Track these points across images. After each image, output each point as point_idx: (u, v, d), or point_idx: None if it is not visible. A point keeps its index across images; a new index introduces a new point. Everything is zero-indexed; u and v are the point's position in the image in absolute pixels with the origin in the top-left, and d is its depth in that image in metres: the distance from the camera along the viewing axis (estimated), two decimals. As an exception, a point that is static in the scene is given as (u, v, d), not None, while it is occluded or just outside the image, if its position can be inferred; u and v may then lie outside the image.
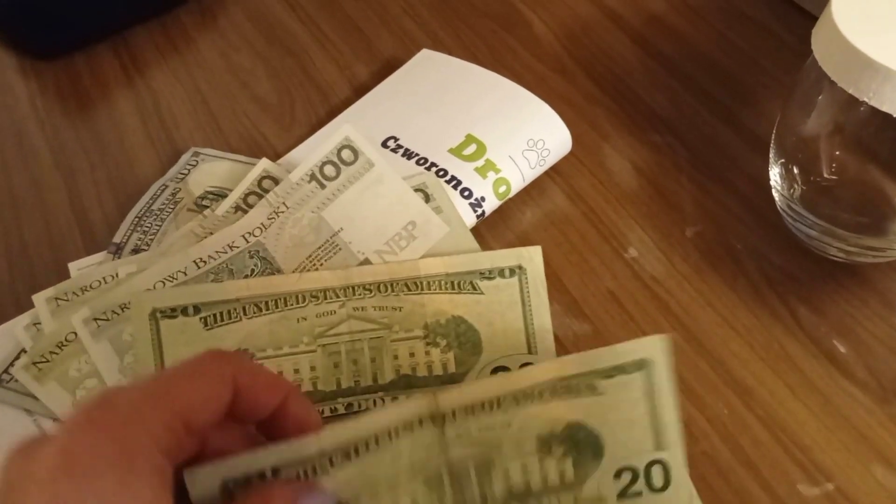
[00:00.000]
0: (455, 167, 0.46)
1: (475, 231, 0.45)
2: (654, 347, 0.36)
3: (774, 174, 0.44)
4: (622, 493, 0.35)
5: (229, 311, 0.40)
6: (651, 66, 0.56)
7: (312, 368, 0.40)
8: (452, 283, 0.42)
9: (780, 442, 0.38)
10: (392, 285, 0.42)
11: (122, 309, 0.41)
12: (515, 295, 0.42)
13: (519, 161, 0.46)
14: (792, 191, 0.43)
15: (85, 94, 0.57)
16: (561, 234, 0.47)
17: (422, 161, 0.47)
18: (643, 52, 0.57)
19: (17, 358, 0.41)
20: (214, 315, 0.40)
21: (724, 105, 0.53)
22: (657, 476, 0.35)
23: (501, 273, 0.42)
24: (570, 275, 0.45)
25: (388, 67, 0.56)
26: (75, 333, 0.41)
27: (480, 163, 0.46)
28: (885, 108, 0.35)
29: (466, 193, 0.45)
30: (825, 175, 0.43)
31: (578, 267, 0.45)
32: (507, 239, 0.46)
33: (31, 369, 0.40)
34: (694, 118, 0.52)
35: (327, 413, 0.39)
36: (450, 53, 0.55)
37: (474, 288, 0.42)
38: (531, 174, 0.47)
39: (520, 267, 0.43)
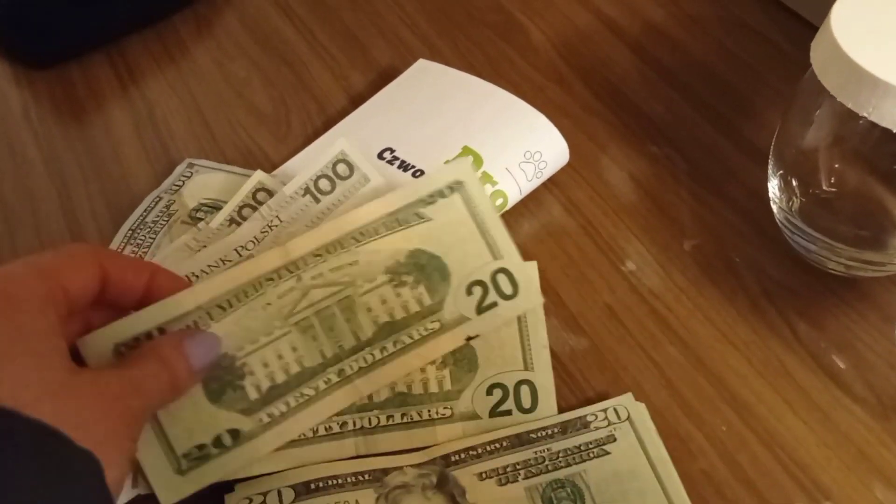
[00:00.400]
0: (451, 179, 0.46)
1: (471, 244, 0.45)
2: (461, 168, 0.42)
3: (773, 186, 0.44)
4: (479, 308, 0.40)
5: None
6: (649, 76, 0.56)
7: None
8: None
9: (779, 459, 0.38)
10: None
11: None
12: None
13: (516, 173, 0.46)
14: (791, 203, 0.43)
15: (79, 104, 0.57)
16: (558, 247, 0.46)
17: (418, 173, 0.46)
18: (641, 62, 0.57)
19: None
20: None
21: (723, 116, 0.52)
22: (504, 284, 0.41)
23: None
24: (567, 288, 0.45)
25: (384, 77, 0.56)
26: None
27: (477, 175, 0.45)
28: (884, 124, 0.35)
29: (463, 206, 0.45)
30: (824, 188, 0.42)
31: (576, 280, 0.45)
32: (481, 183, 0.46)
33: None
34: (693, 129, 0.52)
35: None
36: (447, 63, 0.55)
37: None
38: (528, 186, 0.47)
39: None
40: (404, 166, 0.47)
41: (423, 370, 0.40)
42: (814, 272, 0.44)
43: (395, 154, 0.48)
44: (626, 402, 0.39)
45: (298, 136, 0.53)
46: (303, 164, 0.48)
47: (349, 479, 0.37)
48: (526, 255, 0.45)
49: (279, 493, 0.36)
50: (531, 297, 0.41)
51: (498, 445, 0.38)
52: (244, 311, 0.39)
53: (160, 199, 0.48)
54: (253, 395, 0.38)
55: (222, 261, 0.42)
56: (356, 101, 0.54)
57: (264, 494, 0.36)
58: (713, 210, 0.48)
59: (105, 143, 0.54)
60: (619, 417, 0.39)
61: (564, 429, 0.38)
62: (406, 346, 0.39)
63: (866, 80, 0.34)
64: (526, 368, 0.40)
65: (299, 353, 0.39)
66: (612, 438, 0.38)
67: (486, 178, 0.45)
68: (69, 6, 0.57)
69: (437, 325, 0.40)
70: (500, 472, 0.37)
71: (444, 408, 0.39)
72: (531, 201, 0.48)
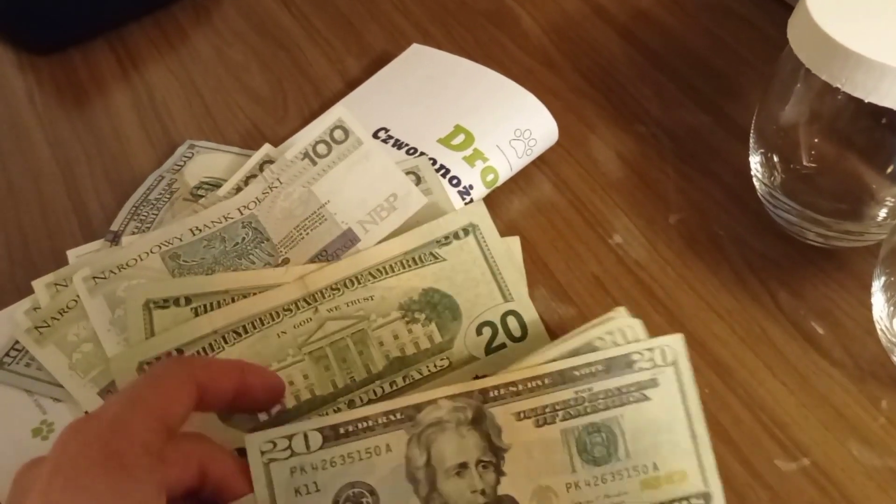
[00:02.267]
0: (444, 156, 0.47)
1: (464, 219, 0.46)
2: (476, 212, 0.44)
3: (755, 163, 0.45)
4: (488, 349, 0.41)
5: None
6: (637, 59, 0.57)
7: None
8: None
9: (759, 420, 0.40)
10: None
11: (119, 269, 0.43)
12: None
13: (506, 150, 0.47)
14: (772, 179, 0.45)
15: (81, 89, 0.58)
16: (547, 222, 0.48)
17: (411, 151, 0.48)
18: (629, 46, 0.58)
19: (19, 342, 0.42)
20: (204, 306, 0.42)
21: (707, 97, 0.54)
22: (514, 327, 0.42)
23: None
24: (555, 261, 0.46)
25: (378, 62, 0.57)
26: (76, 300, 0.42)
27: (469, 152, 0.47)
28: (857, 94, 0.36)
29: (455, 182, 0.46)
30: (804, 163, 0.44)
31: (564, 253, 0.46)
32: (494, 226, 0.47)
33: (32, 333, 0.42)
34: (678, 109, 0.53)
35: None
36: (439, 48, 0.56)
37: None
38: (518, 163, 0.48)
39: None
40: (398, 144, 0.48)
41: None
42: (794, 243, 0.46)
43: (389, 133, 0.49)
44: (674, 343, 0.36)
45: (295, 118, 0.55)
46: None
47: (380, 420, 0.35)
48: (516, 230, 0.47)
49: (305, 436, 0.34)
50: (539, 341, 0.41)
51: (539, 383, 0.35)
52: (258, 337, 0.41)
53: (162, 178, 0.49)
54: (262, 416, 0.39)
55: (225, 217, 0.45)
56: (351, 84, 0.56)
57: (289, 438, 0.34)
58: (698, 186, 0.49)
59: (107, 126, 0.55)
60: (665, 360, 0.36)
61: (609, 367, 0.35)
62: (415, 382, 0.40)
63: (839, 52, 0.36)
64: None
65: (311, 381, 0.40)
66: (654, 383, 0.35)
67: (478, 154, 0.47)
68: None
69: (445, 363, 0.41)
70: (539, 412, 0.35)
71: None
72: (521, 178, 0.49)
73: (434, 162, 0.47)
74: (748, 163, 0.46)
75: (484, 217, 0.44)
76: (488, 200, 0.48)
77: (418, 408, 0.35)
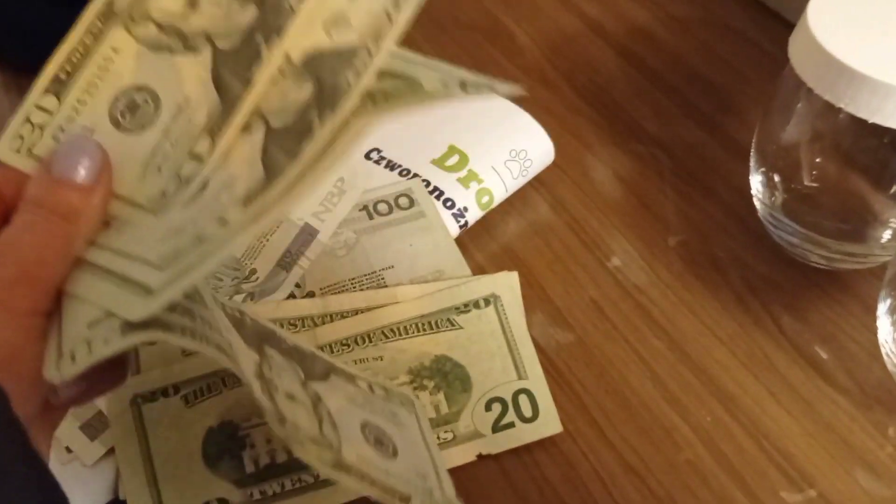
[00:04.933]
0: (438, 178, 0.46)
1: (458, 241, 0.45)
2: (501, 283, 0.43)
3: (756, 182, 0.45)
4: (495, 426, 0.39)
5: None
6: (634, 76, 0.56)
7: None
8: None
9: (764, 449, 0.38)
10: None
11: None
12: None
13: (501, 171, 0.46)
14: (773, 199, 0.44)
15: (69, 109, 0.57)
16: (544, 244, 0.47)
17: (405, 172, 0.47)
18: (626, 63, 0.57)
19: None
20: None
21: (706, 115, 0.53)
22: (525, 407, 0.40)
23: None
24: (553, 284, 0.45)
25: (371, 80, 0.56)
26: None
27: (463, 173, 0.46)
28: (860, 114, 0.35)
29: (449, 204, 0.45)
30: (806, 183, 0.43)
31: (561, 276, 0.45)
32: (490, 249, 0.46)
33: None
34: (677, 128, 0.53)
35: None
36: (433, 65, 0.55)
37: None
38: (514, 184, 0.47)
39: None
40: (391, 166, 0.47)
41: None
42: (796, 265, 0.45)
43: (381, 154, 0.48)
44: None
45: (287, 139, 0.54)
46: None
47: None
48: (512, 253, 0.46)
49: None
50: (550, 423, 0.39)
51: None
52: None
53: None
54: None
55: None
56: (344, 103, 0.55)
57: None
58: (697, 206, 0.48)
59: (94, 147, 0.54)
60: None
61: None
62: None
63: (842, 71, 0.35)
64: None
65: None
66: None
67: (472, 175, 0.46)
68: (56, 11, 0.57)
69: (450, 436, 0.39)
70: None
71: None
72: (518, 200, 0.48)
73: (428, 184, 0.46)
74: (748, 182, 0.45)
75: (507, 290, 0.43)
76: (483, 223, 0.47)
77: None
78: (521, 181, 0.48)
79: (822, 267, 0.44)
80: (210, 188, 0.28)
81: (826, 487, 0.37)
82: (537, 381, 0.40)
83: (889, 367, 0.39)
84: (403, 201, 0.45)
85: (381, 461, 0.32)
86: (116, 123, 0.30)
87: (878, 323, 0.39)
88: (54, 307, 0.27)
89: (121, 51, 0.30)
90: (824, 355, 0.41)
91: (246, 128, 0.28)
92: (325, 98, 0.28)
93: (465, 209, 0.45)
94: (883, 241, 0.42)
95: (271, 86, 0.28)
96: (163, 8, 0.30)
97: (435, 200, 0.45)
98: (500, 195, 0.47)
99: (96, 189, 0.28)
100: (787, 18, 0.58)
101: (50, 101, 0.31)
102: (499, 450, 0.38)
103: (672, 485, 0.37)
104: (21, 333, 0.26)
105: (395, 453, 0.34)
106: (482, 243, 0.47)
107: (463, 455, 0.38)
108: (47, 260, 0.27)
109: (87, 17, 0.31)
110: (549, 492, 0.38)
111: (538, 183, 0.49)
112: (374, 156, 0.48)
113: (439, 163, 0.47)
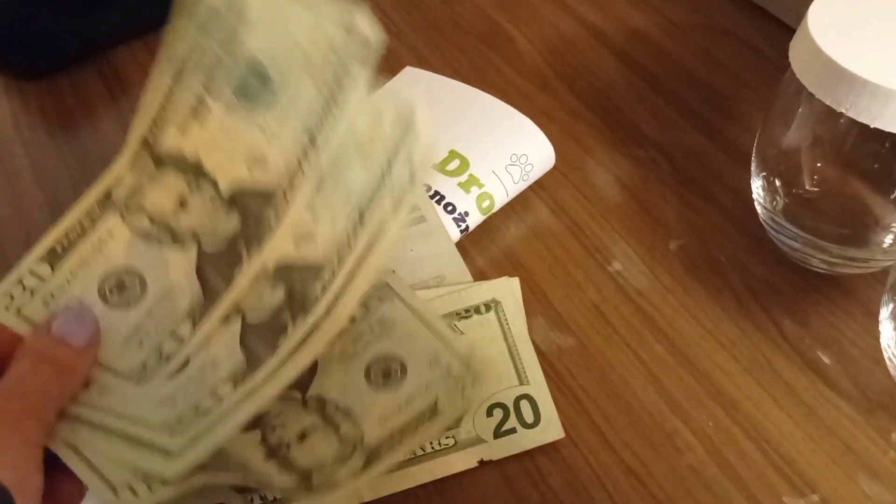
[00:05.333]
0: (439, 182, 0.46)
1: (459, 246, 0.45)
2: (502, 289, 0.43)
3: (757, 187, 0.45)
4: (497, 432, 0.39)
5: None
6: (634, 81, 0.56)
7: None
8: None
9: (766, 454, 0.38)
10: None
11: None
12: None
13: (502, 176, 0.46)
14: (774, 203, 0.44)
15: (68, 114, 0.57)
16: (545, 249, 0.47)
17: (405, 177, 0.47)
18: (626, 68, 0.57)
19: None
20: None
21: (707, 120, 0.53)
22: (527, 412, 0.39)
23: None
24: (554, 289, 0.45)
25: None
26: None
27: (464, 178, 0.46)
28: (861, 119, 0.35)
29: (450, 208, 0.45)
30: (807, 187, 0.43)
31: (563, 281, 0.45)
32: (491, 254, 0.46)
33: None
34: (677, 133, 0.52)
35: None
36: (433, 71, 0.55)
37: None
38: (515, 189, 0.47)
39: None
40: (392, 170, 0.47)
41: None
42: (798, 270, 0.45)
43: (382, 158, 0.48)
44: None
45: (287, 143, 0.54)
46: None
47: None
48: (513, 257, 0.46)
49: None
50: (552, 429, 0.39)
51: None
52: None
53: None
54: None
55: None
56: (344, 108, 0.55)
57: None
58: (698, 211, 0.48)
59: (95, 152, 0.54)
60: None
61: None
62: (416, 458, 0.38)
63: (843, 76, 0.35)
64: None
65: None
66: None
67: (473, 180, 0.46)
68: (59, 18, 0.57)
69: (451, 442, 0.39)
70: None
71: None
72: (518, 204, 0.48)
73: (428, 188, 0.46)
74: (749, 187, 0.45)
75: (508, 295, 0.43)
76: (484, 227, 0.47)
77: None
78: (522, 185, 0.48)
79: (823, 271, 0.44)
80: (192, 366, 0.32)
81: (829, 492, 0.37)
82: (539, 386, 0.40)
83: (892, 371, 0.39)
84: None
85: (396, 396, 0.34)
86: (104, 298, 0.34)
87: (881, 327, 0.39)
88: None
89: (115, 235, 0.35)
90: (826, 360, 0.41)
91: (225, 319, 0.33)
92: (295, 303, 0.32)
93: (466, 214, 0.45)
94: (885, 245, 0.42)
95: (249, 287, 0.32)
96: (156, 204, 0.34)
97: (436, 205, 0.45)
98: (500, 200, 0.47)
99: (89, 352, 0.33)
100: (787, 23, 0.58)
101: (44, 269, 0.34)
102: (500, 456, 0.38)
103: (674, 490, 0.37)
104: (30, 462, 0.29)
105: (404, 370, 0.35)
106: (483, 248, 0.47)
107: (464, 461, 0.38)
108: (49, 401, 0.31)
109: (87, 201, 0.36)
110: (552, 498, 0.37)
111: (539, 187, 0.49)
112: (375, 160, 0.48)
113: (440, 167, 0.47)
